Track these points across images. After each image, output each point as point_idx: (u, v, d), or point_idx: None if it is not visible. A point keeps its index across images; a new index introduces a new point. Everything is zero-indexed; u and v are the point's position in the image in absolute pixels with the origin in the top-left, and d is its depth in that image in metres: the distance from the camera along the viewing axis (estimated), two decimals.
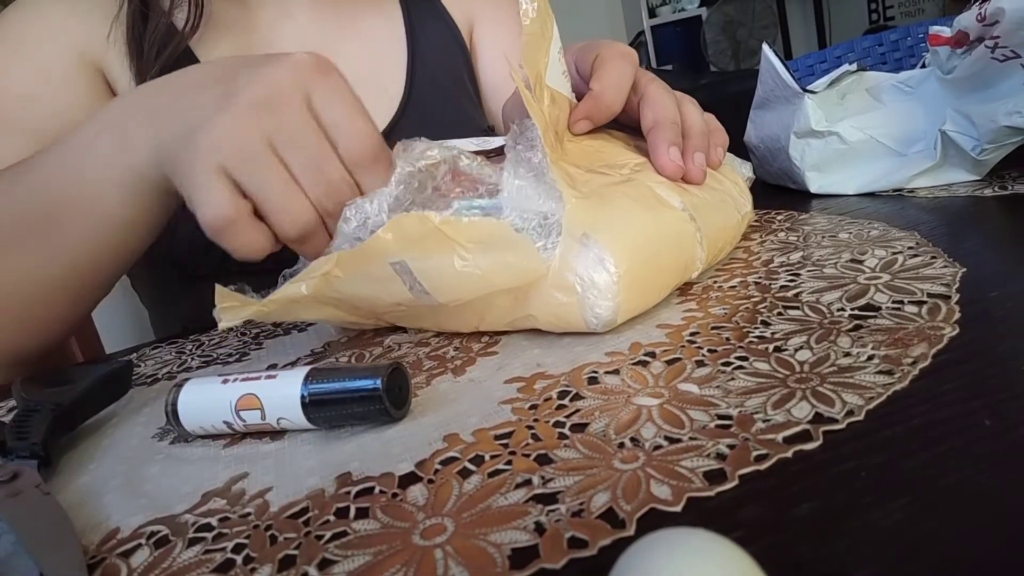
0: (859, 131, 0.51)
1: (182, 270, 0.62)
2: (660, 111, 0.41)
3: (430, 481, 0.24)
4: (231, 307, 0.34)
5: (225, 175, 0.34)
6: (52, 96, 0.57)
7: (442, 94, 0.71)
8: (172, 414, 0.31)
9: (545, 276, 0.33)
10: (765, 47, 0.56)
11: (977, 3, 0.44)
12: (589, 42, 0.46)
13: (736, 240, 0.42)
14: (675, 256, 0.35)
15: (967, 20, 0.45)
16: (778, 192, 0.58)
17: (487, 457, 0.25)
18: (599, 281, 0.32)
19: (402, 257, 0.33)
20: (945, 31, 0.48)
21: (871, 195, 0.50)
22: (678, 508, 0.20)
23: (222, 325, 0.34)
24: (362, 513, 0.23)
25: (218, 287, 0.35)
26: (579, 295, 0.32)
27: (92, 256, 0.42)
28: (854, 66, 0.55)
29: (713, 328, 0.32)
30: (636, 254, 0.33)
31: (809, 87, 0.54)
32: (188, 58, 0.61)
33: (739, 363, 0.28)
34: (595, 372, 0.30)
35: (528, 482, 0.23)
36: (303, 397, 0.29)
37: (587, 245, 0.32)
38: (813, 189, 0.53)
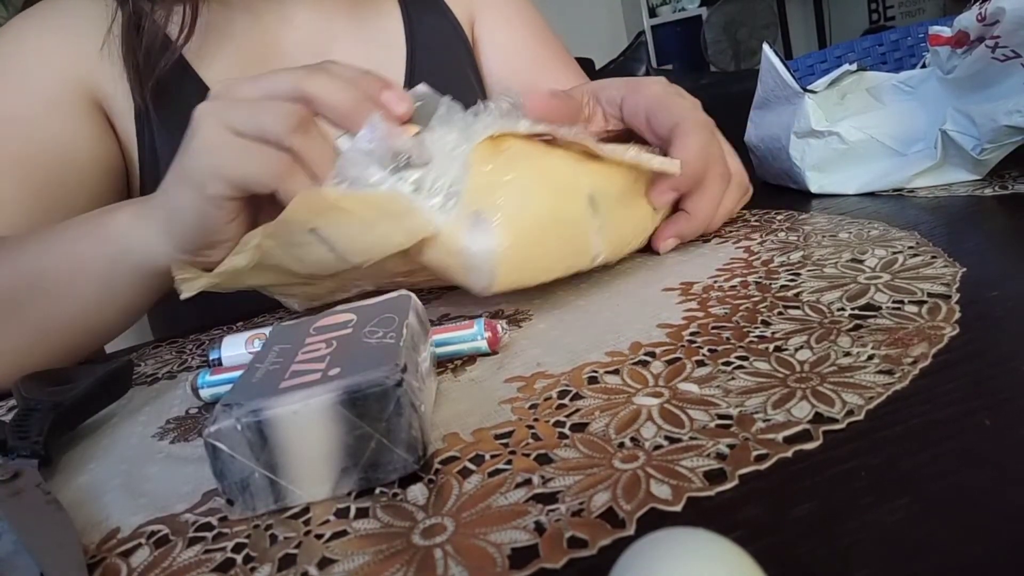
0: (859, 131, 0.51)
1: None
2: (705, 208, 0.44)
3: (430, 481, 0.24)
4: (187, 279, 0.39)
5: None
6: (37, 120, 0.56)
7: (442, 91, 0.71)
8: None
9: (437, 236, 0.36)
10: (765, 47, 0.56)
11: (977, 3, 0.44)
12: (659, 93, 0.45)
13: (647, 233, 0.44)
14: (565, 242, 0.38)
15: (967, 20, 0.45)
16: (778, 192, 0.58)
17: (487, 456, 0.25)
18: (481, 252, 0.35)
19: (315, 225, 0.36)
20: (945, 31, 0.48)
21: (871, 195, 0.50)
22: (678, 508, 0.20)
23: (184, 295, 0.39)
24: (362, 512, 0.23)
25: (174, 261, 0.39)
26: (462, 260, 0.36)
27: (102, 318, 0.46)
28: (854, 66, 0.55)
29: (713, 328, 0.32)
30: (521, 234, 0.36)
31: (809, 87, 0.54)
32: (185, 71, 0.60)
33: (739, 363, 0.28)
34: (595, 372, 0.30)
35: (528, 482, 0.23)
36: None
37: (478, 219, 0.35)
38: (813, 189, 0.53)
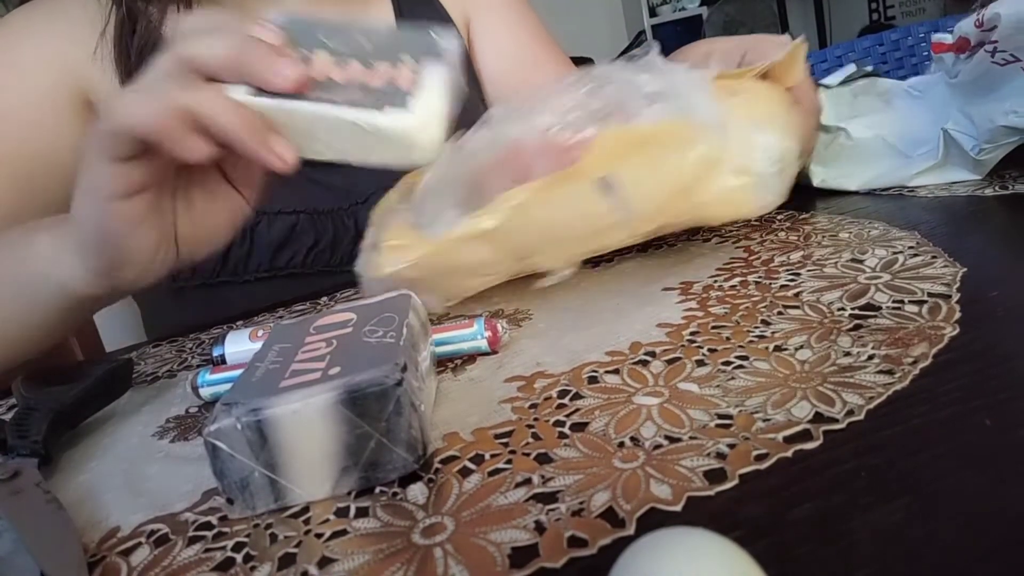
0: (867, 129, 0.52)
1: (172, 281, 0.61)
2: None
3: (430, 480, 0.24)
4: (398, 246, 0.36)
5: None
6: (29, 119, 0.56)
7: None
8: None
9: (722, 161, 0.37)
10: None
11: (977, 8, 0.45)
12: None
13: None
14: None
15: (967, 26, 0.46)
16: None
17: (487, 456, 0.25)
18: (771, 160, 0.37)
19: (608, 171, 0.35)
20: (947, 38, 0.49)
21: (872, 195, 0.50)
22: (678, 507, 0.20)
23: (386, 270, 0.35)
24: (362, 512, 0.23)
25: (390, 229, 0.36)
26: (755, 176, 0.37)
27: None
28: (869, 67, 0.56)
29: (713, 327, 0.32)
30: (787, 129, 0.39)
31: (822, 82, 0.54)
32: None
33: (739, 362, 0.28)
34: (595, 371, 0.30)
35: (528, 481, 0.23)
36: None
37: (756, 133, 0.37)
38: (816, 183, 0.54)
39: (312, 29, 0.34)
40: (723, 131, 0.36)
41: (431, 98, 0.32)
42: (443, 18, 0.74)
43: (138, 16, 0.57)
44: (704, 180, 0.37)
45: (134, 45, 0.57)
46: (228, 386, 0.31)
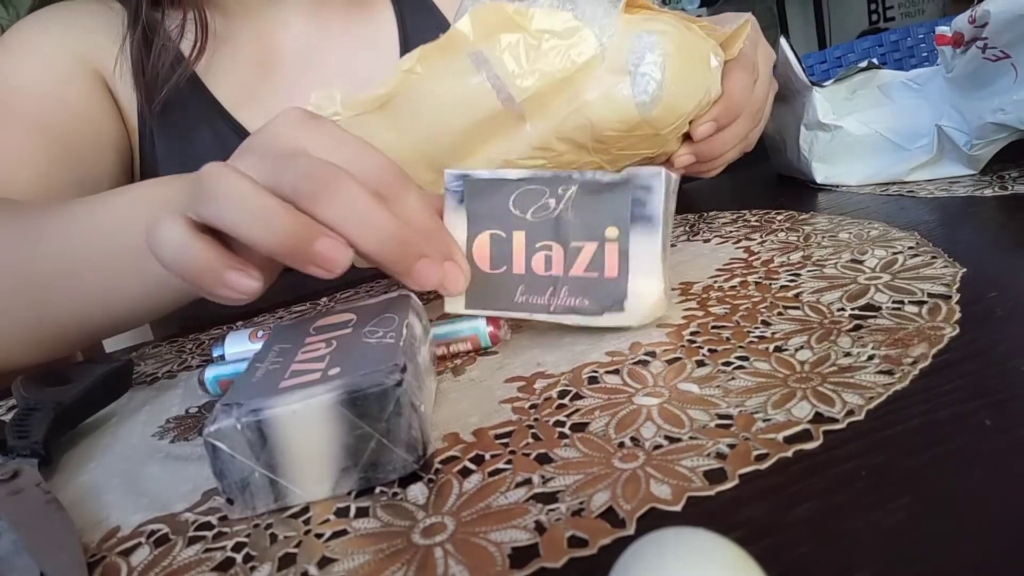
0: (864, 125, 0.53)
1: None
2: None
3: (430, 480, 0.24)
4: (319, 105, 0.38)
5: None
6: (56, 91, 0.58)
7: None
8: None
9: (600, 61, 0.37)
10: (782, 40, 0.57)
11: (972, 4, 0.46)
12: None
13: None
14: (699, 59, 0.41)
15: (961, 22, 0.47)
16: (779, 191, 0.58)
17: (487, 456, 0.25)
18: (649, 59, 0.37)
19: (479, 48, 0.36)
20: (948, 31, 0.49)
21: (872, 195, 0.50)
22: (678, 508, 0.20)
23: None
24: (362, 512, 0.23)
25: (318, 97, 0.38)
26: (631, 73, 0.37)
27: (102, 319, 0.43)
28: (864, 63, 0.56)
29: (713, 327, 0.32)
30: (680, 47, 0.39)
31: (823, 83, 0.55)
32: (193, 83, 0.62)
33: (739, 363, 0.28)
34: (595, 371, 0.30)
35: (528, 481, 0.23)
36: None
37: (640, 36, 0.37)
38: (819, 179, 0.55)
39: (499, 192, 0.33)
40: (602, 30, 0.37)
41: (644, 285, 0.32)
42: (444, 26, 0.75)
43: (155, 29, 0.59)
44: (585, 78, 0.38)
45: (149, 63, 0.59)
46: (235, 370, 0.32)
